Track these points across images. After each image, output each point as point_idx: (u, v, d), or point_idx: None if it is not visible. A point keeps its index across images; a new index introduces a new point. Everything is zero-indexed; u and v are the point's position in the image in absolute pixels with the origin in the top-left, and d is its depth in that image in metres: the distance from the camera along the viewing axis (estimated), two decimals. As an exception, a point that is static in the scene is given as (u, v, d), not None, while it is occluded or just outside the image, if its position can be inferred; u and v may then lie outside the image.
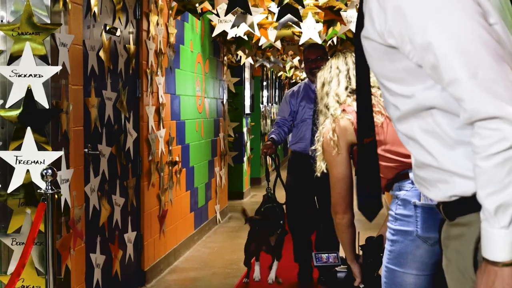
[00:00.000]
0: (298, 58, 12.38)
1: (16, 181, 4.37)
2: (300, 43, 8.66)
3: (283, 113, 6.75)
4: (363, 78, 2.32)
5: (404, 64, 1.98)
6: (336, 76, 3.50)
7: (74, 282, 4.83)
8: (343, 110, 3.37)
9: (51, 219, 4.27)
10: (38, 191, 4.31)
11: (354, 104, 3.31)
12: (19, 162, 4.36)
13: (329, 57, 5.28)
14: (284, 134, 6.66)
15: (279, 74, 17.55)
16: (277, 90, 19.03)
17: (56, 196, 4.33)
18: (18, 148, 4.38)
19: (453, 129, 1.95)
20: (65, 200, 4.60)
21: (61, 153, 4.45)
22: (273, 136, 6.55)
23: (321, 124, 3.47)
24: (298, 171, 6.55)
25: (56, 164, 4.38)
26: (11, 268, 4.38)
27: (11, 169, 4.37)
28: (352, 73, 3.48)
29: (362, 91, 2.36)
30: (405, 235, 3.02)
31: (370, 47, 2.07)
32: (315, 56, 6.59)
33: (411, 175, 2.91)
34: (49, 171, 4.26)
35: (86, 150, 5.12)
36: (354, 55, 3.49)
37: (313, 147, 3.60)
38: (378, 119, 3.22)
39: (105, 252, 5.55)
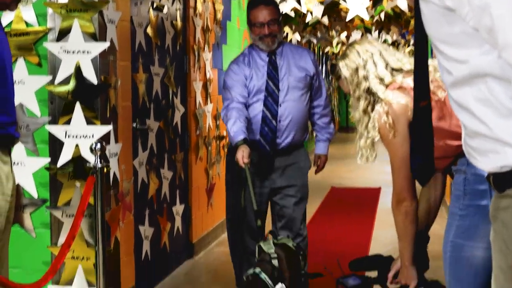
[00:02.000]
0: (345, 33, 12.32)
1: (65, 155, 4.48)
2: (347, 19, 8.62)
3: (236, 91, 4.79)
4: (421, 43, 2.32)
5: (461, 27, 1.93)
6: (370, 58, 3.37)
7: (123, 254, 4.95)
8: (399, 88, 3.29)
9: (100, 192, 4.38)
10: (87, 164, 4.41)
11: (406, 80, 3.26)
12: (69, 137, 4.47)
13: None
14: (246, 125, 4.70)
15: (326, 50, 17.48)
16: (324, 66, 18.97)
17: (105, 169, 4.43)
18: (67, 122, 4.50)
19: (508, 98, 1.89)
20: (114, 174, 4.71)
21: (109, 127, 4.55)
22: (244, 135, 4.58)
23: (356, 110, 3.38)
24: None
25: (105, 139, 4.48)
26: (61, 239, 4.51)
27: (61, 143, 4.48)
28: (384, 53, 3.40)
29: (419, 56, 2.34)
30: (477, 209, 2.90)
31: (428, 9, 2.02)
32: (269, 18, 4.82)
33: None
34: (98, 145, 4.36)
35: (134, 124, 5.22)
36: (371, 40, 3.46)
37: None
38: (441, 94, 3.15)
39: (154, 225, 5.66)
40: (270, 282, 4.11)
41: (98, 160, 4.36)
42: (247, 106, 4.83)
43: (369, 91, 3.33)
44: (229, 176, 5.11)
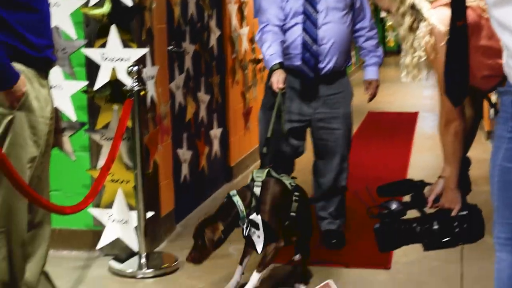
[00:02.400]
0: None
1: (102, 78, 4.46)
2: None
3: (271, 13, 4.56)
4: None
5: None
6: None
7: (162, 177, 4.96)
8: (445, 5, 3.16)
9: (138, 115, 4.37)
10: (124, 88, 4.39)
11: None
12: (105, 60, 4.44)
13: None
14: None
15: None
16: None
17: (142, 92, 4.41)
18: (103, 45, 4.46)
19: None
20: (151, 97, 4.68)
21: (146, 50, 4.51)
22: (279, 59, 4.40)
23: (401, 28, 3.28)
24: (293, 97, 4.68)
25: (141, 61, 4.45)
26: (101, 163, 4.52)
27: (97, 66, 4.46)
28: None
29: None
30: None
31: None
32: None
33: None
34: (135, 68, 4.34)
35: (170, 47, 5.17)
36: None
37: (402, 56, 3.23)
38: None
39: (192, 148, 5.66)
40: (242, 207, 3.79)
41: (135, 83, 4.35)
42: (284, 30, 4.57)
43: (413, 7, 3.22)
44: (265, 101, 4.73)
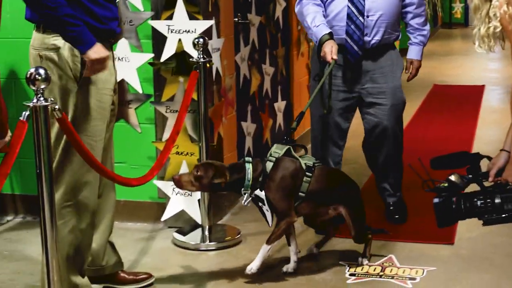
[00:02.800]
0: None
1: (168, 50, 4.46)
2: None
3: None
4: None
5: None
6: None
7: (226, 149, 4.96)
8: None
9: (203, 87, 4.37)
10: (190, 59, 4.38)
11: None
12: (171, 32, 4.43)
13: None
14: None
15: None
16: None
17: (207, 64, 4.40)
18: (170, 17, 4.45)
19: None
20: (217, 69, 4.67)
21: (211, 22, 4.48)
22: (327, 30, 4.31)
23: None
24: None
25: (207, 33, 4.43)
26: (166, 135, 4.53)
27: (164, 38, 4.45)
28: None
29: None
30: None
31: None
32: None
33: None
34: (201, 40, 4.32)
35: (236, 19, 5.13)
36: None
37: (474, 29, 3.22)
38: None
39: (256, 121, 5.64)
40: (249, 176, 3.74)
41: (201, 55, 4.34)
42: (328, 1, 4.39)
43: None
44: (314, 75, 4.53)
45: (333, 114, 4.48)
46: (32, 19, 3.28)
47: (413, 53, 4.71)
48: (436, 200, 3.05)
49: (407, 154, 4.80)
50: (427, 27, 4.71)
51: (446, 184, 3.03)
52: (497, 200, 2.98)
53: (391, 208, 4.71)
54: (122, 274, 3.79)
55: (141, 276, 3.83)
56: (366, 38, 4.39)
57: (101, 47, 3.23)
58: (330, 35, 4.25)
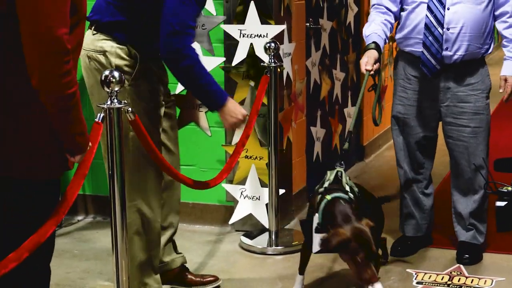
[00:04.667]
0: None
1: (240, 54, 4.48)
2: None
3: None
4: None
5: None
6: None
7: (295, 154, 4.95)
8: None
9: (274, 91, 4.37)
10: (261, 64, 4.40)
11: None
12: (243, 36, 4.45)
13: None
14: (389, 31, 4.15)
15: None
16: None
17: (278, 69, 4.41)
18: (242, 22, 4.47)
19: None
20: (287, 74, 4.67)
21: (283, 27, 4.49)
22: (375, 39, 4.02)
23: None
24: (417, 89, 4.17)
25: (278, 38, 4.43)
26: (236, 138, 4.55)
27: (236, 42, 4.47)
28: None
29: None
30: None
31: None
32: None
33: None
34: (272, 44, 4.33)
35: (308, 24, 5.13)
36: None
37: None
38: None
39: (325, 126, 5.62)
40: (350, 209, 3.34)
41: (272, 59, 4.34)
42: (408, 12, 4.04)
43: None
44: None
45: (412, 131, 4.19)
46: (88, 18, 3.31)
47: (508, 69, 4.12)
48: (498, 204, 2.99)
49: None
50: None
51: (510, 188, 2.96)
52: None
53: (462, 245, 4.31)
54: (189, 276, 3.82)
55: (208, 279, 3.85)
56: (447, 53, 3.97)
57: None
58: (376, 46, 3.93)
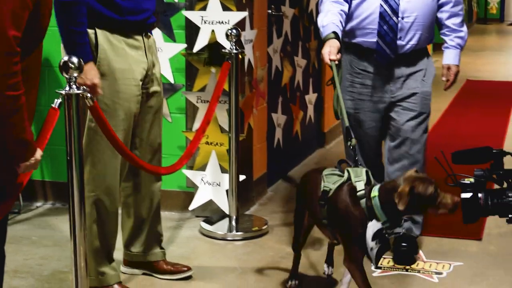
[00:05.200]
0: None
1: (201, 41, 4.48)
2: None
3: None
4: None
5: None
6: None
7: (256, 140, 4.97)
8: None
9: (235, 78, 4.38)
10: (223, 50, 4.40)
11: None
12: (205, 22, 4.45)
13: None
14: (344, 22, 3.89)
15: None
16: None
17: (240, 56, 4.41)
18: (204, 8, 4.46)
19: None
20: (249, 60, 4.68)
21: (245, 13, 4.49)
22: (334, 29, 3.74)
23: None
24: (367, 84, 4.04)
25: (240, 25, 4.44)
26: (196, 125, 4.55)
27: (197, 29, 4.47)
28: None
29: None
30: None
31: None
32: None
33: None
34: (234, 31, 4.33)
35: (270, 11, 5.13)
36: None
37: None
38: None
39: (286, 113, 5.65)
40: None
41: (234, 46, 4.35)
42: (355, 3, 3.90)
43: None
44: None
45: (363, 126, 4.05)
46: None
47: (450, 57, 4.11)
48: (464, 195, 3.03)
49: (436, 148, 4.74)
50: (465, 28, 4.13)
51: (471, 180, 2.99)
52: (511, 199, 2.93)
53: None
54: (161, 263, 3.83)
55: (180, 268, 3.85)
56: (401, 42, 3.90)
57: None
58: (335, 35, 3.70)
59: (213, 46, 4.49)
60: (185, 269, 3.84)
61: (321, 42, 3.80)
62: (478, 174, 2.99)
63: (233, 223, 4.51)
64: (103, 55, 3.32)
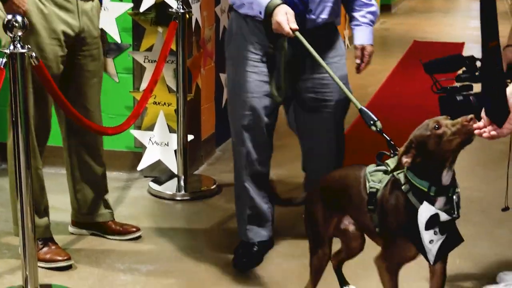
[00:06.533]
0: None
1: (148, 0, 4.44)
2: None
3: None
4: None
5: None
6: None
7: (204, 100, 4.97)
8: None
9: (182, 38, 4.36)
10: (170, 10, 4.37)
11: None
12: (151, -19, 4.42)
13: None
14: None
15: None
16: None
17: (187, 15, 4.39)
18: (150, -33, 4.43)
19: None
20: (196, 20, 4.66)
21: (192, -28, 4.47)
22: None
23: None
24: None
25: (187, -16, 4.42)
26: (144, 85, 4.54)
27: (144, -13, 4.44)
28: None
29: None
30: None
31: None
32: None
33: None
34: (181, -10, 4.31)
35: (217, -30, 5.11)
36: None
37: None
38: None
39: (234, 73, 5.64)
40: None
41: (181, 5, 4.33)
42: None
43: None
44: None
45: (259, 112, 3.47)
46: None
47: (363, 36, 3.55)
48: (441, 95, 3.08)
49: (384, 109, 4.81)
50: (375, 2, 3.60)
51: (458, 85, 3.07)
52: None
53: None
54: (109, 223, 3.82)
55: (129, 229, 3.85)
56: (310, 16, 3.37)
57: None
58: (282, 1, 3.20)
59: (160, 5, 4.46)
60: (134, 229, 3.84)
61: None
62: (463, 77, 3.06)
63: (182, 183, 4.53)
64: (32, 6, 3.26)
